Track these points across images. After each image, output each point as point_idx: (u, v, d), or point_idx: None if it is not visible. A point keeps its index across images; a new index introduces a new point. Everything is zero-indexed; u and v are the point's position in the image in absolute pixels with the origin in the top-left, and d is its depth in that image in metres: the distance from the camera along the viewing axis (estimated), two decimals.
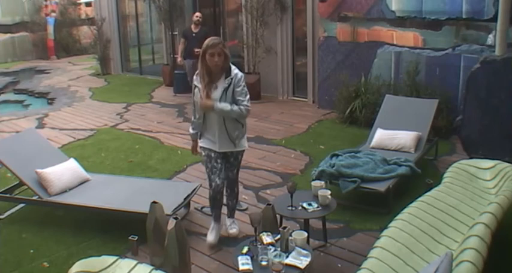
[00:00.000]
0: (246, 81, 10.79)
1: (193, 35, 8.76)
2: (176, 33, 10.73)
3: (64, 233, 4.39)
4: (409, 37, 7.20)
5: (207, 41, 3.79)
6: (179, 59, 9.10)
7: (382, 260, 2.88)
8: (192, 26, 8.91)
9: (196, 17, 8.84)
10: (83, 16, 16.90)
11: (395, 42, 7.36)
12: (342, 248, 4.02)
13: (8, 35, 15.72)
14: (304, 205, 3.77)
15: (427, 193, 3.73)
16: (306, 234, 3.26)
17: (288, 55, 9.16)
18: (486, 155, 4.73)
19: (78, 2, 16.94)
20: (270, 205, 3.65)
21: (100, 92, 10.75)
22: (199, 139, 4.10)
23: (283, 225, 3.35)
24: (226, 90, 3.83)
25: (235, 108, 3.84)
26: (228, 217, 4.30)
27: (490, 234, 2.82)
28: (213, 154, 3.97)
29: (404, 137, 5.45)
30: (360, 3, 7.63)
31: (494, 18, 5.90)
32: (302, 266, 2.95)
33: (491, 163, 4.22)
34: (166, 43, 11.39)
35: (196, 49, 7.93)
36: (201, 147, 4.07)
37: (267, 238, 3.22)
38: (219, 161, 3.98)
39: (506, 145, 5.19)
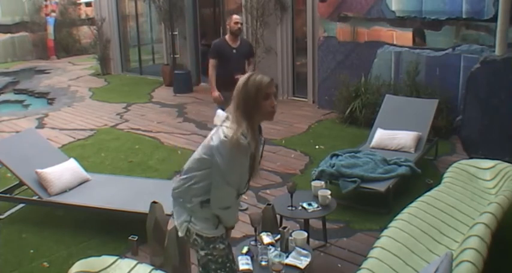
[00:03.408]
0: None
1: (234, 51, 5.56)
2: (176, 33, 10.73)
3: (64, 233, 4.39)
4: (409, 37, 7.20)
5: (254, 78, 2.43)
6: (216, 94, 5.41)
7: (382, 260, 2.88)
8: (228, 38, 5.60)
9: (236, 22, 5.56)
10: (83, 16, 16.88)
11: (395, 42, 7.36)
12: (342, 248, 4.02)
13: (8, 35, 15.71)
14: (304, 205, 3.77)
15: (427, 193, 3.74)
16: (306, 234, 3.26)
17: (288, 55, 9.16)
18: (486, 155, 4.73)
19: (78, 2, 16.93)
20: (270, 205, 3.65)
21: (100, 92, 10.75)
22: (204, 222, 2.53)
23: (283, 225, 3.36)
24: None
25: None
26: None
27: (490, 234, 2.83)
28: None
29: (405, 137, 5.45)
30: (360, 3, 7.63)
31: (494, 18, 5.90)
32: (302, 266, 2.96)
33: (491, 163, 4.22)
34: (166, 43, 11.39)
35: (238, 76, 5.45)
36: (220, 243, 2.56)
37: (267, 238, 3.22)
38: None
39: (506, 145, 5.19)
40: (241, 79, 2.49)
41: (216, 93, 5.43)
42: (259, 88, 2.41)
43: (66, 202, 4.50)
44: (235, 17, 5.72)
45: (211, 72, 5.57)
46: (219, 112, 2.60)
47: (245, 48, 5.73)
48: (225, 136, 2.35)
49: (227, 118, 2.46)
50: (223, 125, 2.43)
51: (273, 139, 6.93)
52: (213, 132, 2.50)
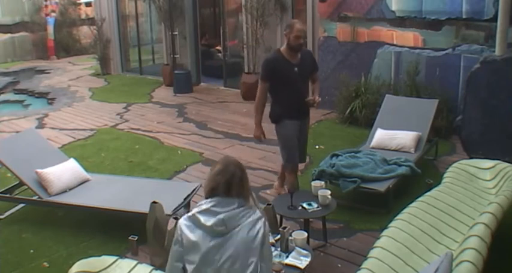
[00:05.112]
0: (246, 80, 10.61)
1: (295, 69, 4.27)
2: (176, 33, 10.72)
3: (64, 233, 4.39)
4: (409, 37, 7.20)
5: (234, 160, 2.55)
6: (258, 132, 4.58)
7: (382, 260, 2.88)
8: (285, 51, 4.28)
9: (298, 36, 4.19)
10: (83, 16, 16.86)
11: (395, 42, 7.36)
12: (342, 248, 4.02)
13: (8, 35, 15.69)
14: (304, 205, 3.77)
15: (427, 193, 3.74)
16: (306, 234, 3.26)
17: None
18: (486, 155, 4.73)
19: (78, 2, 16.91)
20: (270, 205, 3.65)
21: (100, 92, 10.75)
22: None
23: (283, 225, 3.36)
24: None
25: None
26: None
27: (490, 234, 2.83)
28: None
29: (404, 138, 5.45)
30: (360, 3, 7.63)
31: (494, 18, 5.90)
32: (302, 266, 2.96)
33: (491, 163, 4.22)
34: (166, 43, 11.39)
35: (309, 99, 4.39)
36: None
37: None
38: None
39: (506, 145, 5.19)
40: (230, 167, 2.45)
41: (259, 132, 4.43)
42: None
43: (66, 202, 4.50)
44: (298, 27, 4.18)
45: (261, 99, 4.32)
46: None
47: (308, 62, 4.38)
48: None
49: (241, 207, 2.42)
50: (248, 215, 2.41)
51: (273, 139, 6.91)
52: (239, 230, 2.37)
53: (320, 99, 4.45)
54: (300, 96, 4.34)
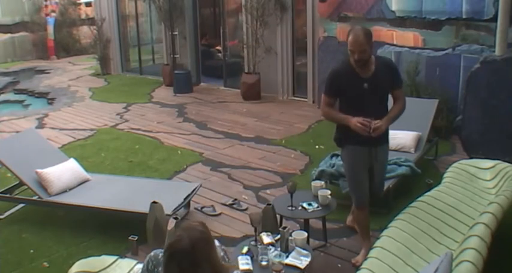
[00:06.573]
0: (246, 80, 10.58)
1: (365, 85, 3.48)
2: (176, 33, 10.73)
3: (64, 233, 4.39)
4: (409, 37, 7.20)
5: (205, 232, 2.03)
6: (355, 120, 3.42)
7: (382, 260, 2.89)
8: (353, 61, 3.55)
9: (352, 51, 3.57)
10: (83, 16, 16.86)
11: (395, 42, 7.36)
12: (342, 248, 4.03)
13: (8, 35, 15.70)
14: (304, 205, 3.77)
15: (427, 193, 3.74)
16: (306, 234, 3.26)
17: (288, 55, 9.15)
18: (486, 155, 4.72)
19: (78, 2, 16.92)
20: (270, 205, 3.65)
21: (100, 92, 10.75)
22: None
23: (283, 225, 3.36)
24: None
25: None
26: None
27: (490, 234, 2.83)
28: None
29: (404, 138, 5.45)
30: (360, 3, 7.63)
31: (494, 18, 5.90)
32: (302, 266, 2.96)
33: (491, 163, 4.22)
34: (166, 43, 11.39)
35: (377, 123, 3.40)
36: None
37: (267, 238, 3.22)
38: None
39: (506, 145, 5.19)
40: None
41: (355, 120, 3.39)
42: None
43: (66, 202, 4.50)
44: (350, 39, 3.57)
45: (327, 111, 3.72)
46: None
47: (384, 77, 3.50)
48: None
49: None
50: None
51: (273, 139, 6.93)
52: None
53: (379, 124, 3.38)
54: (367, 115, 3.42)
